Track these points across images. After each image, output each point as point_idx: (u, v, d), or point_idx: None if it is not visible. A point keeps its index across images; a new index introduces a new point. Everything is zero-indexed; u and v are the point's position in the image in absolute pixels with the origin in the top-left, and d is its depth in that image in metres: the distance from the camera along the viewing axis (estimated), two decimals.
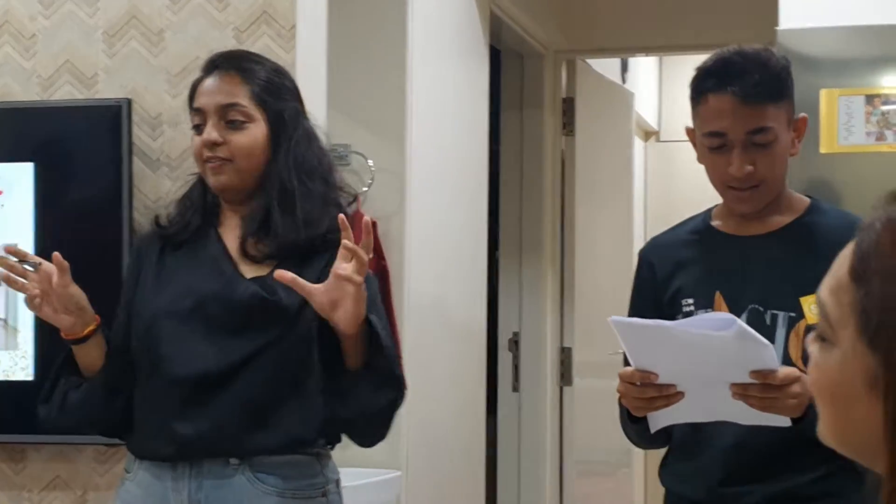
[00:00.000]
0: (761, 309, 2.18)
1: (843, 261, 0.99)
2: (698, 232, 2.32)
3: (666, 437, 2.27)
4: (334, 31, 3.18)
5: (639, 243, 6.55)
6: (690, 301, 2.24)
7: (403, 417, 3.62)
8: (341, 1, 3.51)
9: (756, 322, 2.15)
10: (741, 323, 1.93)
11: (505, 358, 5.10)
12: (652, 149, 7.15)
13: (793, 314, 2.16)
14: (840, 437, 0.99)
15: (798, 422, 2.04)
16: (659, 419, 2.15)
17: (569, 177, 5.28)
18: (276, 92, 2.35)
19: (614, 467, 5.89)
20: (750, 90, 2.13)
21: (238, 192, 2.34)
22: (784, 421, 2.04)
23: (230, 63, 2.38)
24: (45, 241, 2.84)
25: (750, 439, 2.15)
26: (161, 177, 2.90)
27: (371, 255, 2.17)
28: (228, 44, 2.86)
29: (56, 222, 2.88)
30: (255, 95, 2.33)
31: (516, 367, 5.09)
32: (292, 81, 2.42)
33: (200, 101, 2.35)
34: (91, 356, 2.34)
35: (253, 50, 2.85)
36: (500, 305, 5.09)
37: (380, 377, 2.26)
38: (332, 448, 2.38)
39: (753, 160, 2.16)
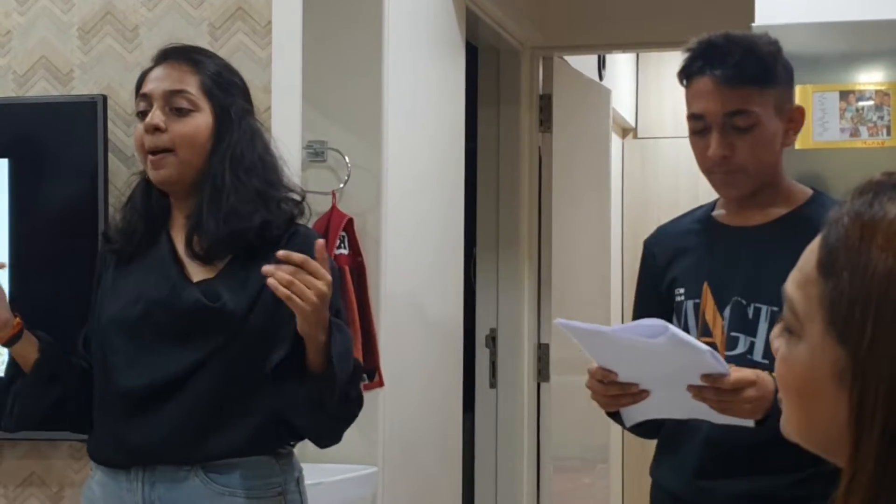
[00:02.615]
0: (744, 302, 2.16)
1: (810, 255, 1.00)
2: (699, 221, 2.31)
3: (656, 427, 2.26)
4: (310, 27, 3.18)
5: (616, 240, 6.58)
6: (682, 291, 2.23)
7: (380, 413, 3.62)
8: None
9: (738, 315, 2.14)
10: (674, 330, 1.91)
11: (482, 354, 5.10)
12: (629, 146, 7.16)
13: (776, 308, 2.13)
14: (805, 432, 1.00)
15: (761, 423, 2.01)
16: (632, 414, 2.15)
17: (546, 173, 5.28)
18: (225, 87, 2.34)
19: (591, 463, 5.90)
20: (729, 72, 2.12)
21: (180, 187, 2.31)
22: (747, 422, 2.03)
23: (181, 54, 2.36)
24: (20, 238, 2.83)
25: (728, 433, 2.12)
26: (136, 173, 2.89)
27: (328, 280, 2.11)
28: (203, 40, 2.86)
29: (31, 219, 2.87)
30: (204, 86, 2.31)
31: (493, 364, 5.09)
32: (242, 81, 2.41)
33: (147, 87, 2.33)
34: (25, 355, 2.33)
35: (228, 46, 2.85)
36: (477, 302, 5.10)
37: (335, 393, 2.20)
38: (293, 446, 2.35)
39: (732, 144, 2.14)
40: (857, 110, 3.20)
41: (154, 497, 2.26)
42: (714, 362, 1.96)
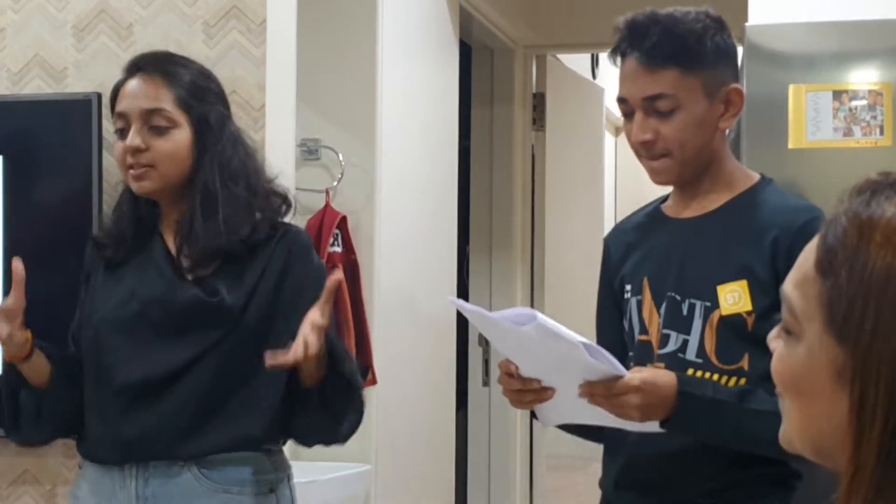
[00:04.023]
0: (678, 298, 2.05)
1: (808, 255, 1.00)
2: (648, 214, 2.20)
3: (596, 430, 2.12)
4: (304, 25, 3.18)
5: None
6: (629, 288, 2.13)
7: (373, 411, 3.62)
8: None
9: (672, 312, 2.05)
10: (542, 319, 1.80)
11: (475, 352, 5.11)
12: (622, 144, 7.16)
13: (708, 303, 2.02)
14: (805, 433, 1.00)
15: (664, 423, 1.93)
16: (546, 416, 2.04)
17: (539, 172, 5.29)
18: (200, 96, 2.33)
19: (584, 461, 5.90)
20: (647, 52, 2.02)
21: (165, 195, 2.33)
22: (653, 426, 1.94)
23: (154, 66, 2.35)
24: (15, 236, 2.83)
25: (647, 442, 2.03)
26: None
27: (327, 317, 2.13)
28: (198, 38, 2.86)
29: (26, 216, 2.86)
30: (180, 100, 2.30)
31: (486, 362, 5.10)
32: (218, 85, 2.40)
33: (123, 105, 2.32)
34: (36, 366, 2.33)
35: (222, 44, 2.85)
36: (470, 300, 5.10)
37: (343, 404, 2.24)
38: (283, 444, 2.37)
39: (656, 128, 2.03)
40: (851, 110, 3.20)
41: (147, 493, 2.26)
42: (590, 358, 1.85)
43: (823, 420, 0.96)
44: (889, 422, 0.91)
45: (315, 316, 2.11)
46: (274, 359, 2.10)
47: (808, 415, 0.98)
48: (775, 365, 1.01)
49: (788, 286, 1.00)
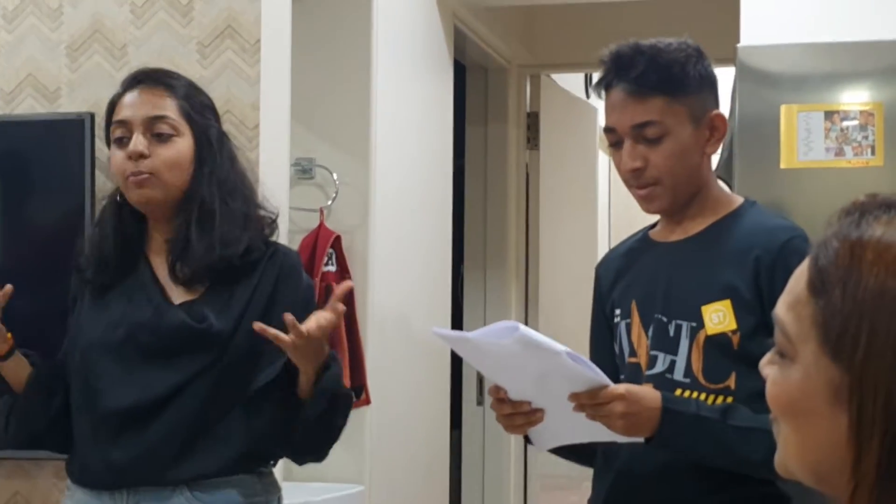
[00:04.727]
0: (665, 320, 2.08)
1: (799, 277, 1.00)
2: (639, 240, 2.25)
3: (589, 453, 2.16)
4: (299, 45, 3.18)
5: None
6: (618, 312, 2.17)
7: (367, 431, 3.62)
8: (306, 15, 3.51)
9: (660, 333, 2.08)
10: (524, 330, 1.83)
11: (469, 371, 5.10)
12: None
13: (694, 324, 2.05)
14: (802, 457, 0.99)
15: (649, 440, 1.95)
16: (540, 439, 2.06)
17: (533, 191, 5.30)
18: (199, 110, 2.34)
19: (578, 481, 5.88)
20: (634, 82, 2.06)
21: (161, 208, 2.30)
22: (638, 439, 1.96)
23: (154, 78, 2.35)
24: (7, 254, 2.82)
25: (638, 461, 2.05)
26: None
27: (337, 320, 2.15)
28: (192, 58, 2.86)
29: (19, 236, 2.86)
30: (182, 110, 2.30)
31: (481, 381, 5.09)
32: (211, 100, 2.41)
33: (124, 114, 2.31)
34: (15, 370, 2.32)
35: (217, 64, 2.86)
36: (464, 319, 5.10)
37: (331, 414, 2.24)
38: (273, 466, 2.36)
39: (645, 156, 2.07)
40: (842, 130, 3.22)
41: None
42: (575, 364, 1.86)
43: (822, 441, 0.96)
44: (887, 438, 0.92)
45: (324, 314, 2.12)
46: (267, 331, 2.10)
47: (806, 438, 0.98)
48: (770, 390, 1.01)
49: (781, 309, 1.00)
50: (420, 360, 4.12)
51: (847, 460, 0.94)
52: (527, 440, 2.11)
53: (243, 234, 2.28)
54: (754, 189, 3.23)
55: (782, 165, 3.25)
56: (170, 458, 2.24)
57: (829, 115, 3.23)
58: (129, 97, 2.32)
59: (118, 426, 2.26)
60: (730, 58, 3.36)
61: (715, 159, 3.45)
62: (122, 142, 2.29)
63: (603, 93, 2.13)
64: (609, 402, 1.90)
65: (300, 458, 2.40)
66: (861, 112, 3.21)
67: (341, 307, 2.15)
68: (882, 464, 0.92)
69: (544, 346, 1.84)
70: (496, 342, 1.85)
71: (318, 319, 2.12)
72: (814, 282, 0.97)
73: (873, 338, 0.93)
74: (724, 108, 3.35)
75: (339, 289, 2.18)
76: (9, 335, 2.30)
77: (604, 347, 2.21)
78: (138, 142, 2.27)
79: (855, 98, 3.23)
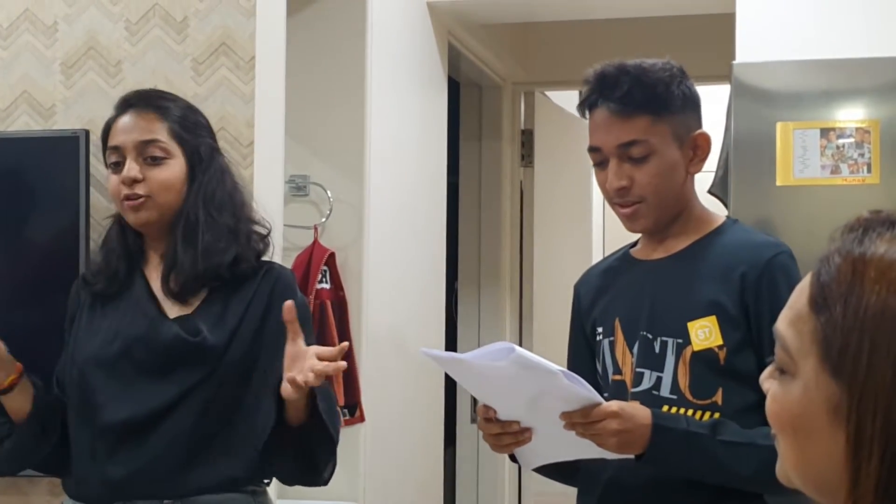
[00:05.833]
0: (650, 336, 2.09)
1: (801, 292, 1.00)
2: (619, 258, 2.26)
3: (572, 471, 2.18)
4: (293, 62, 3.18)
5: None
6: (600, 329, 2.18)
7: (361, 449, 3.61)
8: (300, 33, 3.52)
9: (645, 350, 2.09)
10: (520, 351, 1.84)
11: (463, 389, 5.09)
12: None
13: (680, 340, 2.06)
14: (801, 472, 0.99)
15: (640, 458, 1.97)
16: (527, 458, 2.08)
17: (527, 208, 5.30)
18: (191, 129, 2.37)
19: (573, 498, 5.88)
20: (619, 102, 2.08)
21: (158, 228, 2.34)
22: (629, 457, 1.97)
23: (145, 102, 2.38)
24: (2, 271, 2.81)
25: (628, 474, 2.06)
26: None
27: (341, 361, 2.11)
28: (186, 75, 2.86)
29: (13, 253, 2.86)
30: (173, 132, 2.34)
31: (475, 399, 5.08)
32: (205, 118, 2.44)
33: (117, 139, 2.35)
34: (17, 403, 2.33)
35: (211, 81, 2.86)
36: (458, 336, 5.09)
37: (323, 449, 2.24)
38: (268, 484, 2.36)
39: (630, 175, 2.09)
40: (838, 147, 3.22)
41: None
42: (571, 384, 1.88)
43: (822, 457, 0.96)
44: (886, 455, 0.91)
45: (325, 355, 2.09)
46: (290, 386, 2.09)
47: (805, 453, 0.98)
48: (770, 405, 1.01)
49: (782, 325, 1.00)
50: (414, 377, 4.11)
51: (846, 476, 0.93)
52: (512, 458, 2.12)
53: (230, 246, 2.30)
54: (750, 206, 3.23)
55: (778, 183, 3.25)
56: (165, 473, 2.24)
57: (825, 132, 3.23)
58: (122, 122, 2.35)
59: (115, 441, 2.27)
60: (725, 75, 3.36)
61: (710, 177, 3.46)
62: (118, 166, 2.34)
63: (587, 112, 2.15)
64: (602, 419, 1.92)
65: (288, 481, 2.39)
66: (857, 129, 3.21)
67: (342, 364, 2.12)
68: (880, 485, 0.91)
69: (540, 366, 1.85)
70: (491, 364, 1.86)
71: (316, 370, 2.09)
72: (815, 298, 0.97)
73: (874, 355, 0.93)
74: (720, 125, 3.36)
75: (339, 347, 2.14)
76: (18, 365, 2.31)
77: (583, 365, 2.21)
78: (131, 167, 2.31)
79: (851, 115, 3.23)
